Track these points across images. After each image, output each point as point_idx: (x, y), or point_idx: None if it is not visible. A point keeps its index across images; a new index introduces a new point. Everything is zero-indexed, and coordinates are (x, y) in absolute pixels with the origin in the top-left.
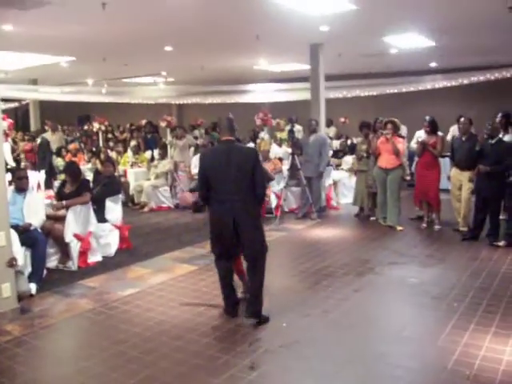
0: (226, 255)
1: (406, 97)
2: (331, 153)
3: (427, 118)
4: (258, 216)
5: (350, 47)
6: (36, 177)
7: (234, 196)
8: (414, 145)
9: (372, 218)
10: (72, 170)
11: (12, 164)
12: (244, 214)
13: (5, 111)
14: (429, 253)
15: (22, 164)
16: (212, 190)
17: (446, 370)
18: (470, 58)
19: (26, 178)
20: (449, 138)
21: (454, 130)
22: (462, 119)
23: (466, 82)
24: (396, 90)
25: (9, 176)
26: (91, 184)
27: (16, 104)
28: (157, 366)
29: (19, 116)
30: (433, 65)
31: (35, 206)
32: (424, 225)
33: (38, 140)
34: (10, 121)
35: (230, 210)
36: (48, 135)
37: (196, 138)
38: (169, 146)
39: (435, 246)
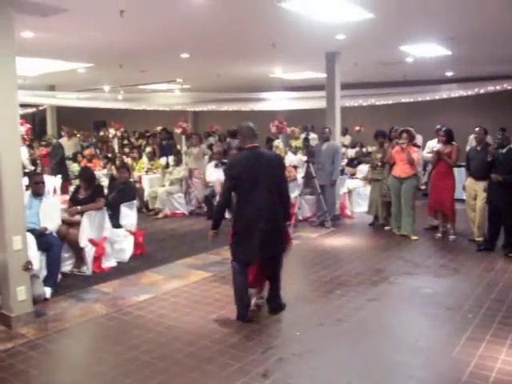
0: (254, 262)
1: (421, 106)
2: (346, 161)
3: (438, 126)
4: (285, 220)
5: (366, 56)
6: (52, 181)
7: (264, 200)
8: (426, 154)
9: (386, 228)
10: (87, 175)
11: (30, 167)
12: (273, 217)
13: (22, 116)
14: (443, 263)
15: (39, 169)
16: (241, 197)
17: (461, 382)
18: (486, 67)
19: (43, 182)
20: (468, 147)
21: (471, 139)
22: (477, 129)
23: (482, 91)
24: (411, 99)
25: (26, 180)
26: (106, 190)
27: (33, 109)
28: (170, 371)
29: (36, 121)
30: (449, 74)
31: (51, 211)
32: (439, 234)
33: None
34: (28, 126)
35: (260, 214)
36: (64, 140)
37: (211, 145)
38: (184, 155)
39: (450, 256)
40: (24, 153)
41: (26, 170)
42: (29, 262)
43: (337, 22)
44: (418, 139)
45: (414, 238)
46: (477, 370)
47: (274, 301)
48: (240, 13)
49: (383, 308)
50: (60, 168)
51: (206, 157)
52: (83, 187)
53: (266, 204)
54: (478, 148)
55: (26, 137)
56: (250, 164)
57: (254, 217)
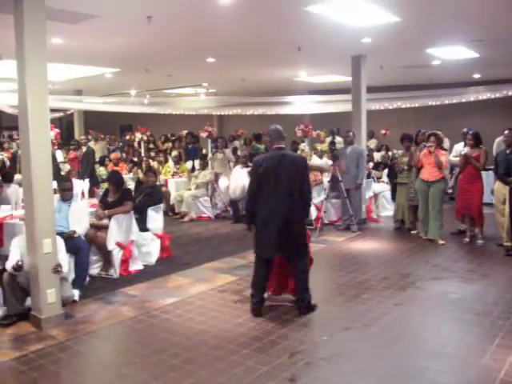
0: (270, 255)
1: (448, 109)
2: (371, 165)
3: (466, 130)
4: (304, 218)
5: (392, 59)
6: (80, 185)
7: (284, 199)
8: (453, 158)
9: (413, 232)
10: (115, 179)
11: (66, 169)
12: (292, 215)
13: (50, 121)
14: (471, 268)
15: (64, 172)
16: (263, 193)
17: None
18: None
19: (70, 190)
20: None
21: (498, 142)
22: (507, 132)
23: (510, 93)
24: (438, 102)
25: (55, 184)
26: (133, 193)
27: (61, 114)
28: (197, 375)
29: (64, 126)
30: (476, 76)
31: (80, 215)
32: (466, 239)
33: (84, 149)
34: (57, 130)
35: (279, 211)
36: (91, 144)
37: (235, 148)
38: (209, 161)
39: (478, 261)
40: (59, 157)
41: (63, 173)
42: (58, 265)
43: (363, 26)
44: (445, 143)
45: (441, 242)
46: (507, 378)
47: (302, 302)
48: (266, 17)
49: (410, 313)
50: (90, 172)
51: (231, 163)
52: (112, 190)
53: (286, 202)
54: (508, 151)
55: (54, 141)
56: (274, 163)
57: (272, 214)
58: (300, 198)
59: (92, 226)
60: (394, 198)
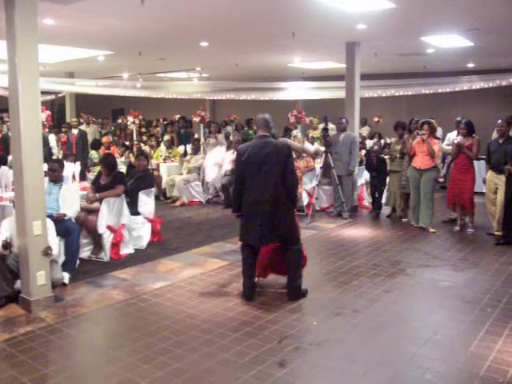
0: (253, 244)
1: (441, 97)
2: (364, 152)
3: (459, 118)
4: (290, 205)
5: (387, 46)
6: (71, 168)
7: (267, 187)
8: (445, 146)
9: (404, 220)
10: (108, 161)
11: (58, 155)
12: (276, 203)
13: (42, 103)
14: (461, 256)
15: (55, 156)
16: (247, 181)
17: (478, 376)
18: (508, 58)
19: (55, 170)
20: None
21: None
22: (500, 121)
23: (504, 83)
24: (432, 91)
25: (45, 166)
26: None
27: (52, 96)
28: (186, 358)
29: (55, 108)
30: (470, 65)
31: (70, 197)
32: (457, 228)
33: (75, 131)
34: (48, 112)
35: (262, 199)
36: (83, 128)
37: (228, 134)
38: (202, 146)
39: (468, 249)
40: (52, 140)
41: (54, 157)
42: (48, 247)
43: (358, 12)
44: (438, 131)
45: (432, 230)
46: (495, 365)
47: (291, 288)
48: (260, 1)
49: (400, 300)
50: (82, 155)
51: (224, 146)
52: (104, 173)
53: (269, 190)
54: (500, 141)
55: (45, 123)
56: (256, 151)
57: (256, 202)
58: (283, 186)
59: (83, 209)
60: (373, 189)
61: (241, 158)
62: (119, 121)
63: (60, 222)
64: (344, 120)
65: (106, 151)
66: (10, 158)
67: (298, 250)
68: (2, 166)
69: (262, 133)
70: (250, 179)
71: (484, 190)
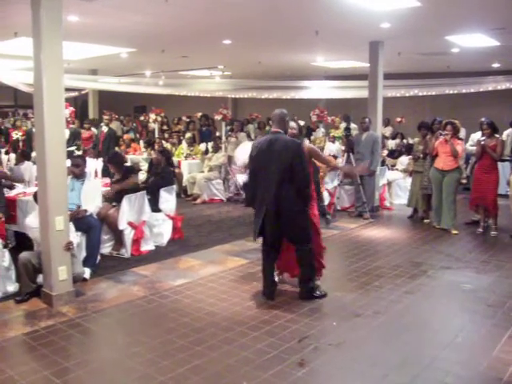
0: (268, 242)
1: (465, 98)
2: (386, 152)
3: (483, 119)
4: (300, 205)
5: (411, 45)
6: (94, 164)
7: (274, 184)
8: (469, 147)
9: (426, 221)
10: (115, 160)
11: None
12: (284, 202)
13: (65, 100)
14: (484, 259)
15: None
16: (257, 178)
17: (502, 381)
18: None
19: (77, 166)
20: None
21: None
22: None
23: None
24: (455, 91)
25: (68, 162)
26: (146, 174)
27: (75, 93)
28: (206, 356)
29: (78, 105)
30: (495, 65)
31: (92, 193)
32: (480, 230)
33: (105, 129)
34: (72, 109)
35: (269, 197)
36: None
37: (249, 132)
38: (223, 144)
39: (491, 252)
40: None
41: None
42: (70, 243)
43: (382, 10)
44: (462, 132)
45: (455, 232)
46: None
47: (302, 288)
48: None
49: (421, 302)
50: (107, 152)
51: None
52: (115, 171)
53: (274, 187)
54: None
55: (69, 119)
56: (265, 147)
57: (263, 199)
58: (292, 185)
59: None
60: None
61: (252, 154)
62: (141, 118)
63: (81, 218)
64: (367, 119)
65: (127, 149)
66: (33, 154)
67: (308, 250)
68: (26, 162)
69: (276, 129)
70: (259, 176)
71: (508, 192)
